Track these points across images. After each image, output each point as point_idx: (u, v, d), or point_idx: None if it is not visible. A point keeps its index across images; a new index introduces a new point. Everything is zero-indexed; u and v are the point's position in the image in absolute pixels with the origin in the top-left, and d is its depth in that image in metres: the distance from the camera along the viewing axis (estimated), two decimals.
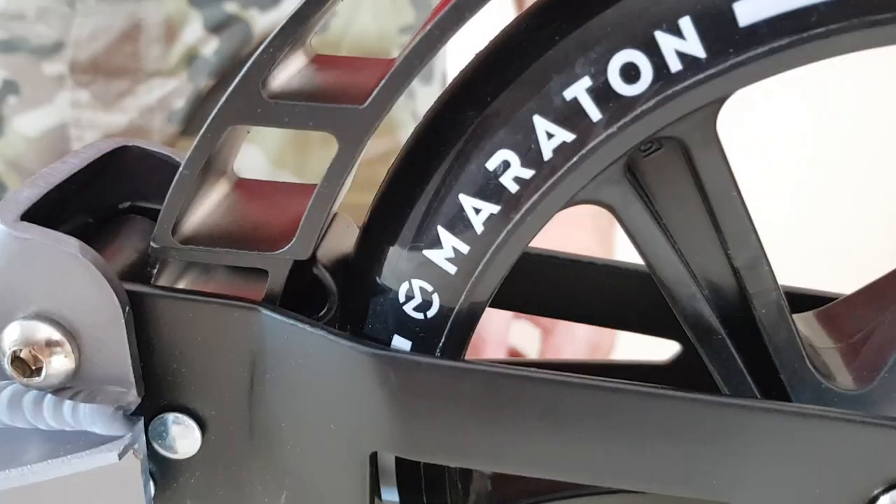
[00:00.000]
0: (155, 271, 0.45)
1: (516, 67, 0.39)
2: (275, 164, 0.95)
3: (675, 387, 0.40)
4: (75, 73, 0.90)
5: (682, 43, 0.37)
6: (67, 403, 0.42)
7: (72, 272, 0.40)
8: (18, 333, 0.41)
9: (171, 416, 0.43)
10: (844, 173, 2.05)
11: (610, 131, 0.38)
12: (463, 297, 0.41)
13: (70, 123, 0.91)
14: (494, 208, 0.40)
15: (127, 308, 0.41)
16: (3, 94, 0.90)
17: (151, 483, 0.44)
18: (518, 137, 0.39)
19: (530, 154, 0.39)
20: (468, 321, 0.42)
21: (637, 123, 0.38)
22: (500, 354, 0.94)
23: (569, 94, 0.38)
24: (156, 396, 0.43)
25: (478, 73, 0.40)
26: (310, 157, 0.96)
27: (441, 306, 0.42)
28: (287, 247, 0.41)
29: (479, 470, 0.50)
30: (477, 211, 0.40)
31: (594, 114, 0.38)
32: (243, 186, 0.47)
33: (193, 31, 0.90)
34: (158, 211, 0.42)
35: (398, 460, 0.46)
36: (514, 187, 0.39)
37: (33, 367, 0.41)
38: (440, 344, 0.42)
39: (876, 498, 0.40)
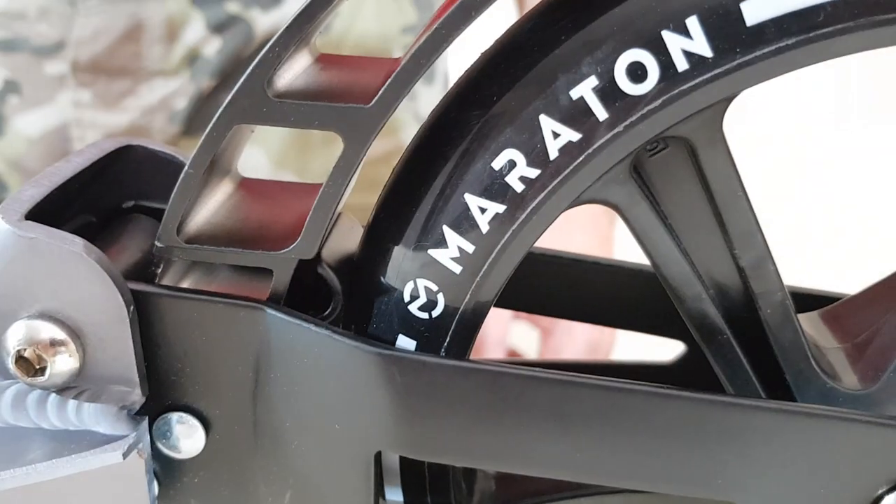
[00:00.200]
0: (159, 271, 0.45)
1: (522, 66, 0.39)
2: (277, 165, 0.95)
3: (680, 387, 0.40)
4: (77, 72, 0.89)
5: (689, 42, 0.37)
6: (71, 403, 0.42)
7: (76, 271, 0.40)
8: (23, 333, 0.41)
9: (175, 416, 0.43)
10: (846, 173, 2.05)
11: (616, 131, 0.38)
12: (468, 296, 0.41)
13: (71, 123, 0.91)
14: (500, 208, 0.40)
15: (131, 307, 0.41)
16: (4, 94, 0.90)
17: (155, 483, 0.44)
18: (524, 137, 0.39)
19: (536, 153, 0.39)
20: (473, 321, 0.42)
21: (643, 123, 0.38)
22: (499, 355, 0.94)
23: (575, 93, 0.38)
24: (160, 396, 0.43)
25: (483, 72, 0.40)
26: (312, 157, 0.96)
27: (446, 306, 0.42)
28: (292, 246, 0.41)
29: (483, 470, 0.50)
30: (482, 210, 0.40)
31: (600, 113, 0.38)
32: (247, 186, 0.47)
33: (195, 31, 0.90)
34: (162, 210, 0.42)
35: (402, 460, 0.46)
36: (519, 187, 0.39)
37: (37, 367, 0.41)
38: (445, 344, 0.42)
39: (880, 497, 0.40)
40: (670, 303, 0.43)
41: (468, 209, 0.40)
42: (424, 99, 1.01)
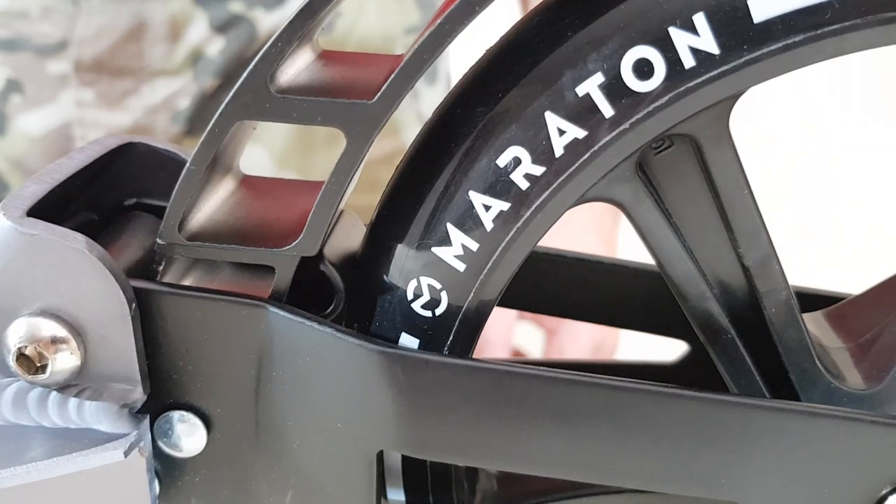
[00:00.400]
0: (160, 268, 0.45)
1: (528, 63, 0.39)
2: (279, 165, 0.95)
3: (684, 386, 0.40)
4: (79, 72, 0.89)
5: (696, 39, 0.36)
6: (73, 401, 0.41)
7: (78, 268, 0.40)
8: (24, 330, 0.41)
9: (176, 414, 0.43)
10: (851, 172, 2.05)
11: (622, 128, 0.38)
12: (472, 294, 0.41)
13: (74, 123, 0.91)
14: (504, 205, 0.40)
15: (133, 305, 0.41)
16: (6, 93, 0.90)
17: (156, 481, 0.44)
18: (529, 134, 0.39)
19: (541, 150, 0.39)
20: (477, 319, 0.42)
21: (649, 120, 0.38)
22: (504, 355, 0.94)
23: (581, 89, 0.38)
24: (161, 394, 0.43)
25: (489, 68, 0.40)
26: (314, 157, 0.96)
27: (449, 304, 0.41)
28: (294, 243, 0.41)
29: (485, 469, 0.50)
30: (487, 208, 0.40)
31: (606, 110, 0.38)
32: (249, 183, 0.46)
33: (198, 30, 0.90)
34: (164, 208, 0.42)
35: (404, 459, 0.46)
36: (524, 184, 0.39)
37: (38, 364, 0.41)
38: (448, 342, 0.42)
39: (884, 498, 0.40)
40: (673, 302, 0.43)
41: (472, 207, 0.40)
42: (427, 99, 1.01)
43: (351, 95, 0.39)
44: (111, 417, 0.42)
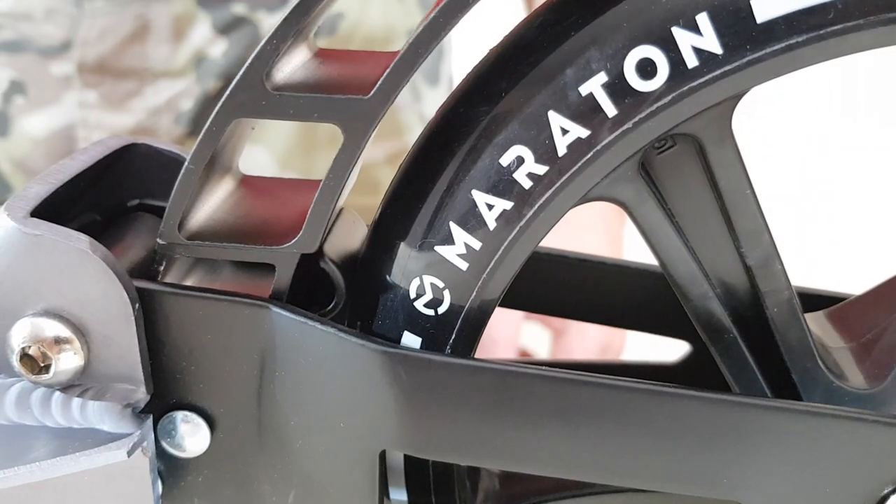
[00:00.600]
0: (162, 269, 0.45)
1: (531, 62, 0.39)
2: (281, 165, 0.95)
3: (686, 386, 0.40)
4: (83, 73, 0.89)
5: (699, 39, 0.37)
6: (76, 401, 0.41)
7: (82, 269, 0.40)
8: (27, 330, 0.41)
9: (179, 415, 0.43)
10: (853, 172, 2.05)
11: (625, 127, 0.38)
12: (474, 293, 0.41)
13: (77, 124, 0.91)
14: (507, 204, 0.40)
15: (136, 305, 0.41)
16: (10, 95, 0.90)
17: (159, 481, 0.44)
18: (532, 133, 0.39)
19: (544, 150, 0.39)
20: (479, 318, 0.42)
21: (652, 120, 0.38)
22: (511, 355, 0.94)
23: (584, 89, 0.38)
24: (164, 394, 0.43)
25: (492, 67, 0.40)
26: (316, 157, 0.96)
27: (452, 303, 0.41)
28: (294, 240, 0.41)
29: (487, 469, 0.50)
30: (489, 207, 0.40)
31: (609, 109, 0.38)
32: (249, 183, 0.47)
33: (201, 32, 0.90)
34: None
35: (407, 459, 0.46)
36: (527, 183, 0.39)
37: (42, 365, 0.41)
38: (450, 341, 0.42)
39: (886, 497, 0.40)
40: (674, 303, 0.43)
41: (475, 206, 0.40)
42: (429, 100, 1.01)
43: (347, 91, 0.39)
44: (114, 417, 0.42)
